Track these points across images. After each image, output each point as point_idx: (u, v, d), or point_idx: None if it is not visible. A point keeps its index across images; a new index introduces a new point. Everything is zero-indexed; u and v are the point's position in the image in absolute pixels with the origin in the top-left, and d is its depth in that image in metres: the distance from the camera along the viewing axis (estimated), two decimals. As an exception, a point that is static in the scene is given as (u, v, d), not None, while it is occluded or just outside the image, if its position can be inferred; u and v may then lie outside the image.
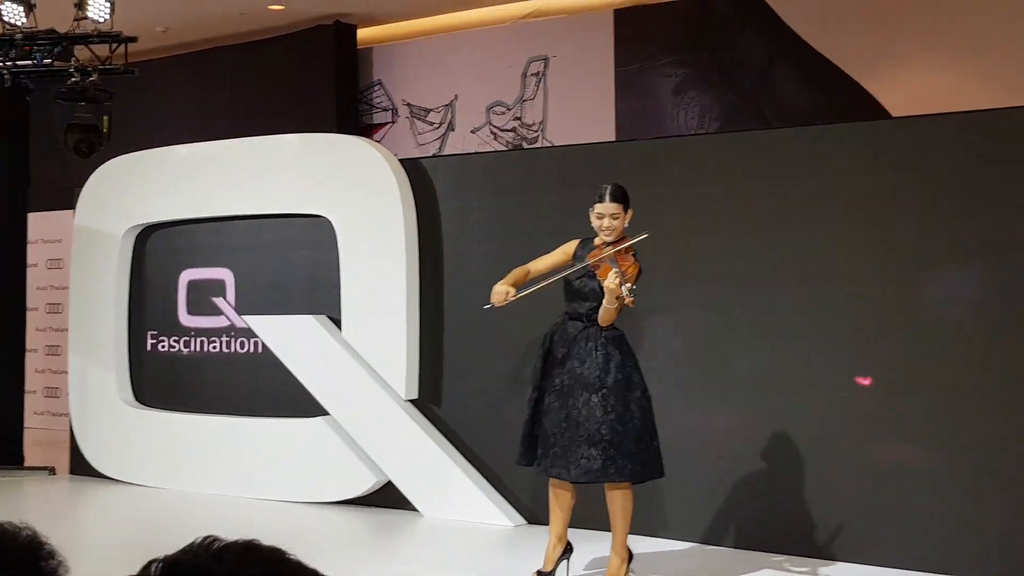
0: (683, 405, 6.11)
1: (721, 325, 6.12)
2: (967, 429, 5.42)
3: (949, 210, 5.53)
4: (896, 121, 6.11)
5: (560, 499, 5.16)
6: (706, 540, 6.05)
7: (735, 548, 5.93)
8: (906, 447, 5.59)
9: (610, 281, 4.70)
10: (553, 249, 5.21)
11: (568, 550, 5.24)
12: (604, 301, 4.84)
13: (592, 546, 5.67)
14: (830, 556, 5.66)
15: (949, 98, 7.33)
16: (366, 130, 10.19)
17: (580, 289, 5.04)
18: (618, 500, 5.06)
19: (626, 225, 5.00)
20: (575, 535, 5.31)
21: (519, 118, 9.36)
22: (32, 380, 10.39)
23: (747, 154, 6.07)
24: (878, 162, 5.71)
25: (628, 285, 4.73)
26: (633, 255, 4.95)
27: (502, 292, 5.05)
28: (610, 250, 4.88)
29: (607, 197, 4.97)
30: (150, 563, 1.16)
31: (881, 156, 5.71)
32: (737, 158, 6.10)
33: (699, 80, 8.44)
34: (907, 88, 7.76)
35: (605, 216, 4.96)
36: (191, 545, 1.17)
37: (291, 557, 1.18)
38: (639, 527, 5.86)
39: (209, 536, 1.18)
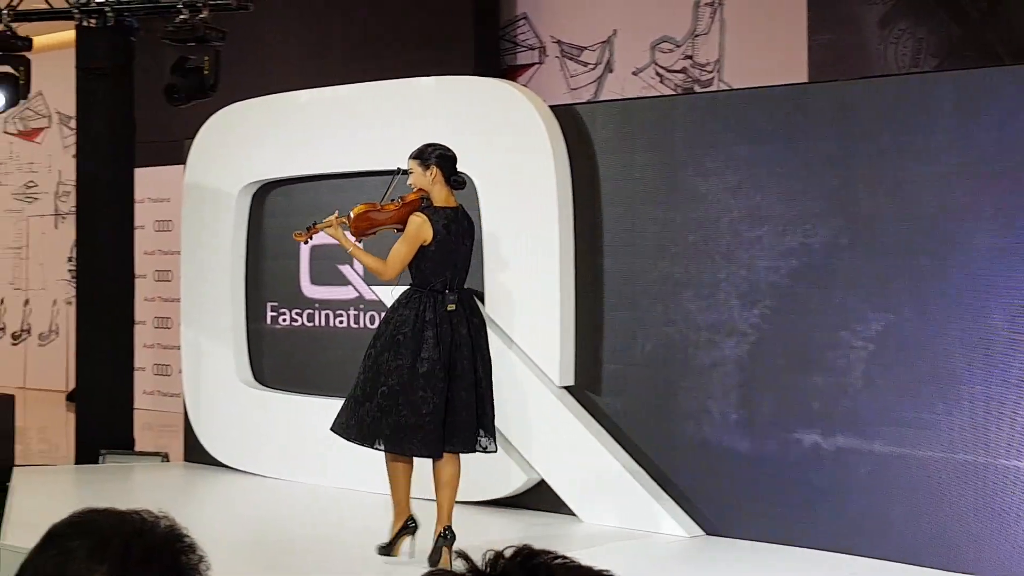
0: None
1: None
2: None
3: None
4: None
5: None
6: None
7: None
8: None
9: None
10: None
11: (409, 526, 5.88)
12: None
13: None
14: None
15: None
16: (509, 72, 10.24)
17: None
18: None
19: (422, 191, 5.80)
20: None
21: (690, 56, 9.39)
22: (140, 356, 10.38)
23: (972, 96, 5.76)
24: None
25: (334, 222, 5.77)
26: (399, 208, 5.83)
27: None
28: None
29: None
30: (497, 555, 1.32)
31: None
32: (960, 101, 5.79)
33: (912, 7, 8.19)
34: None
35: None
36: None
37: None
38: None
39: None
